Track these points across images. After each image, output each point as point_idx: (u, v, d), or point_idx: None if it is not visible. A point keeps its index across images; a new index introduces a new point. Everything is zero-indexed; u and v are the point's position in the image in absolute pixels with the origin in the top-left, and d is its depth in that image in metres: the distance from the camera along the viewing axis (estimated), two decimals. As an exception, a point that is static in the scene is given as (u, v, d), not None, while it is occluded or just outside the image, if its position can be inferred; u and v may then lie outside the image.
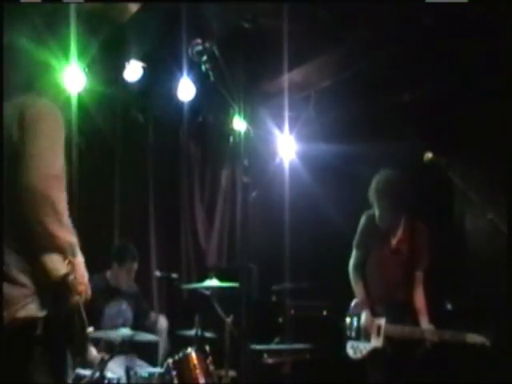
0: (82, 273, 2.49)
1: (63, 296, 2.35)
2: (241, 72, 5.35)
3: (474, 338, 3.81)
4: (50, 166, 2.36)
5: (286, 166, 6.48)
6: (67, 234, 2.39)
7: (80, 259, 2.51)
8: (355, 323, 4.42)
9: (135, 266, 5.17)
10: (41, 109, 2.49)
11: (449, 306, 4.62)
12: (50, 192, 2.31)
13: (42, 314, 2.31)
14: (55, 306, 2.34)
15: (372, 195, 4.41)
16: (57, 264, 2.33)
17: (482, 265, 5.09)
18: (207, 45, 2.56)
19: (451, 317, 5.02)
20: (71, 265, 2.38)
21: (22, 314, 2.28)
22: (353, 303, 4.53)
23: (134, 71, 5.58)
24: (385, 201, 4.32)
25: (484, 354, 3.82)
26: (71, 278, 2.36)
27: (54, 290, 2.33)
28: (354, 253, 4.54)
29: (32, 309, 2.30)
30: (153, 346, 5.05)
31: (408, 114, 5.82)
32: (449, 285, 5.11)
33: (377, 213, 4.39)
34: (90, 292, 2.53)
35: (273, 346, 5.49)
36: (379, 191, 4.35)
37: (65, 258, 2.36)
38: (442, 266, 5.02)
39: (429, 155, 3.74)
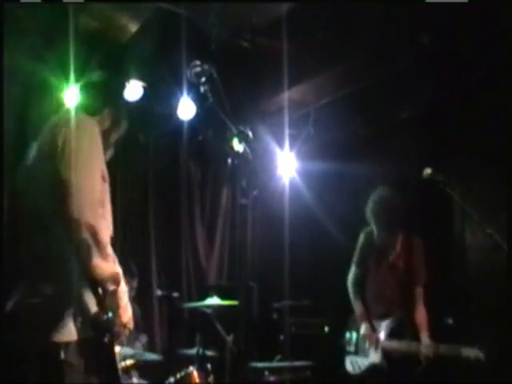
0: (125, 304, 2.47)
1: (97, 331, 2.30)
2: (240, 90, 5.39)
3: (468, 351, 3.81)
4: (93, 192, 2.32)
5: (286, 183, 6.50)
6: (110, 265, 2.35)
7: (124, 289, 2.47)
8: (354, 338, 4.44)
9: (134, 282, 5.15)
10: (79, 124, 2.44)
11: (449, 321, 4.61)
12: (93, 222, 2.25)
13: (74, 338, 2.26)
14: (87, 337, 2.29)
15: (369, 214, 4.45)
16: (90, 302, 2.29)
17: (482, 279, 5.08)
18: (206, 67, 2.59)
19: (452, 331, 5.00)
20: (110, 300, 2.33)
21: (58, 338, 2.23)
22: (352, 318, 4.54)
23: (134, 91, 5.61)
24: (381, 219, 4.37)
25: (483, 369, 3.81)
26: (105, 317, 2.30)
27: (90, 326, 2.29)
28: (352, 270, 4.58)
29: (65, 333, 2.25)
30: (155, 365, 5.04)
31: (407, 131, 5.84)
32: (449, 299, 5.10)
33: (374, 231, 4.42)
34: (132, 325, 2.51)
35: (274, 364, 5.47)
36: (375, 210, 4.40)
37: (105, 290, 2.31)
38: (442, 281, 5.03)
39: (428, 171, 3.75)
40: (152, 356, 4.80)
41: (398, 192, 4.43)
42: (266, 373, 5.25)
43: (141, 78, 5.57)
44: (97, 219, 2.28)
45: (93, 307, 2.29)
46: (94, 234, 2.24)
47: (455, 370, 4.29)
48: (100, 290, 2.30)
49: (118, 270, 2.41)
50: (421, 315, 4.27)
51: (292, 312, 5.90)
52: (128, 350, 4.50)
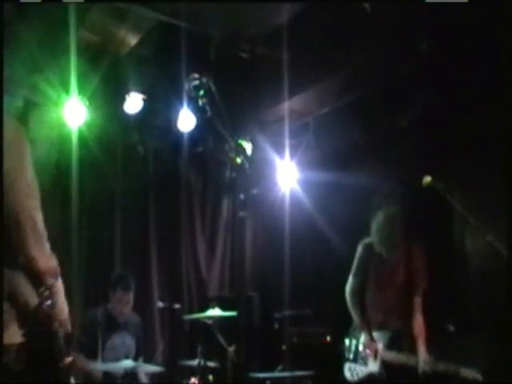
0: (62, 300, 2.43)
1: (38, 324, 2.28)
2: (239, 101, 5.41)
3: (467, 372, 3.82)
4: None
5: (287, 192, 6.51)
6: (48, 258, 2.32)
7: (60, 286, 2.43)
8: (353, 346, 4.45)
9: (128, 295, 5.13)
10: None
11: (450, 328, 4.61)
12: (31, 213, 2.24)
13: (18, 340, 2.23)
14: (30, 333, 2.26)
15: (375, 233, 4.43)
16: (29, 294, 2.27)
17: (483, 286, 5.08)
18: (204, 80, 2.61)
19: (452, 338, 5.00)
20: (49, 291, 2.31)
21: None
22: (353, 326, 4.55)
23: (134, 103, 5.64)
24: (387, 238, 4.36)
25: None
26: (46, 305, 2.29)
27: (30, 319, 2.27)
28: (350, 280, 4.57)
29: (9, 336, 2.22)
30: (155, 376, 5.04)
31: (406, 138, 5.85)
32: (450, 307, 5.10)
33: (376, 244, 4.43)
34: (68, 325, 2.45)
35: (275, 374, 5.46)
36: (382, 229, 4.38)
37: (42, 283, 2.29)
38: (442, 288, 5.03)
39: (427, 178, 3.77)
40: (153, 368, 4.80)
41: (403, 207, 4.42)
42: (268, 383, 5.25)
43: (141, 91, 5.61)
44: (34, 210, 2.27)
45: (33, 299, 2.27)
46: (33, 225, 2.23)
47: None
48: (38, 283, 2.28)
49: (56, 264, 2.38)
50: (419, 326, 4.28)
51: (293, 322, 5.89)
52: (129, 363, 4.49)
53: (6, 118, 2.34)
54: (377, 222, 4.41)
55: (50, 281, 2.32)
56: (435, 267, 4.63)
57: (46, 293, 2.30)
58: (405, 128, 5.91)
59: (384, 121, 6.02)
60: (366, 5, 4.64)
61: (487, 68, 4.85)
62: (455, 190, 4.13)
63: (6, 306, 2.23)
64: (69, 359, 2.45)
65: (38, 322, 2.28)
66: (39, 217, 2.30)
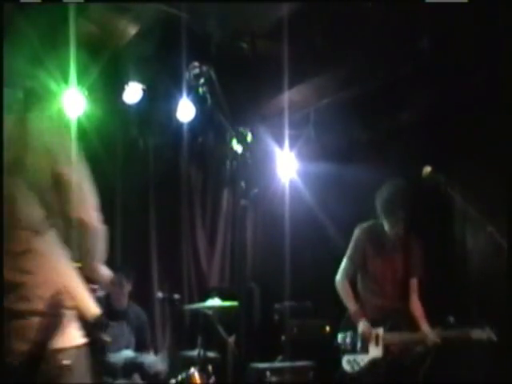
0: None
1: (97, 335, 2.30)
2: (239, 92, 5.39)
3: (479, 333, 3.82)
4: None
5: (287, 184, 6.50)
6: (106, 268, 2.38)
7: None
8: (350, 336, 4.41)
9: (128, 287, 5.14)
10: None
11: (451, 320, 4.61)
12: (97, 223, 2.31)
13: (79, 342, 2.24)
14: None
15: (385, 204, 4.39)
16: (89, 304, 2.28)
17: (484, 278, 5.08)
18: (204, 68, 2.60)
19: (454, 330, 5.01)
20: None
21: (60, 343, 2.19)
22: (346, 317, 4.52)
23: (133, 93, 5.62)
24: (400, 210, 4.33)
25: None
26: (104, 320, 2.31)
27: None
28: (344, 264, 4.52)
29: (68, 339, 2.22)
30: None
31: (408, 132, 5.84)
32: (451, 299, 5.10)
33: (388, 221, 4.38)
34: None
35: (275, 365, 5.47)
36: (395, 200, 4.35)
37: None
38: (442, 280, 5.03)
39: (427, 169, 3.77)
40: (153, 358, 4.80)
41: (406, 184, 4.42)
42: (268, 373, 5.25)
43: (140, 81, 5.59)
44: (98, 221, 2.32)
45: (91, 311, 2.28)
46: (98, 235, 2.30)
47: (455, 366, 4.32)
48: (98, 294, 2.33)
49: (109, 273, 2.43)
50: (416, 305, 4.32)
51: (293, 313, 5.90)
52: (129, 353, 4.50)
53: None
54: (385, 192, 4.39)
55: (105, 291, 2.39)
56: (435, 257, 4.64)
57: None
58: (406, 124, 5.91)
59: (385, 114, 6.01)
60: (369, 3, 4.65)
61: (487, 68, 4.85)
62: (456, 182, 4.12)
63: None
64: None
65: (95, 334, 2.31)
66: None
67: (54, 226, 2.26)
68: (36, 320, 2.17)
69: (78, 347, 2.23)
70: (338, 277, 4.52)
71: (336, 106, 6.08)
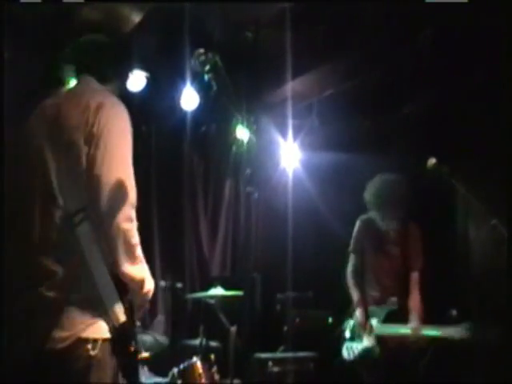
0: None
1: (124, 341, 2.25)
2: (243, 81, 5.37)
3: (450, 331, 3.85)
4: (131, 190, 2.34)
5: (290, 174, 6.49)
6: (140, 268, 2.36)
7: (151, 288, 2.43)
8: (350, 325, 4.50)
9: None
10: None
11: (453, 313, 4.62)
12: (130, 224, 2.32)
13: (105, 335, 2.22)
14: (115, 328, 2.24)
15: (369, 198, 4.47)
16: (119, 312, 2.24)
17: (486, 270, 5.08)
18: (210, 55, 2.58)
19: (456, 323, 5.01)
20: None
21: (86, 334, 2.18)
22: (352, 307, 4.59)
23: (137, 81, 5.59)
24: (383, 203, 4.39)
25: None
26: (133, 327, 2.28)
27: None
28: (351, 257, 4.63)
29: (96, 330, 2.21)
30: (159, 354, 5.04)
31: (410, 124, 5.83)
32: (453, 291, 5.10)
33: (375, 216, 4.45)
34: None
35: (277, 355, 5.48)
36: (377, 194, 4.42)
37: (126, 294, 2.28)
38: (445, 273, 5.03)
39: (432, 161, 3.77)
40: (158, 337, 4.81)
41: (401, 177, 4.46)
42: (270, 363, 5.26)
43: (144, 69, 5.55)
44: (133, 221, 2.36)
45: (121, 315, 2.24)
46: (130, 238, 2.35)
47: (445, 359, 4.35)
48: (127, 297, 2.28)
49: (147, 274, 2.40)
50: (415, 300, 4.33)
51: (296, 303, 5.90)
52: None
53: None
54: (373, 186, 4.44)
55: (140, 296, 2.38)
56: (436, 249, 4.64)
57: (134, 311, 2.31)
58: (409, 114, 5.89)
59: (388, 104, 5.99)
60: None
61: (487, 67, 4.83)
62: (459, 173, 4.11)
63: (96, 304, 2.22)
64: (144, 354, 2.55)
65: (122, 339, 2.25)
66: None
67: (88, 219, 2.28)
68: (68, 308, 2.18)
69: (105, 340, 2.22)
70: (348, 269, 4.65)
71: (340, 96, 6.06)
